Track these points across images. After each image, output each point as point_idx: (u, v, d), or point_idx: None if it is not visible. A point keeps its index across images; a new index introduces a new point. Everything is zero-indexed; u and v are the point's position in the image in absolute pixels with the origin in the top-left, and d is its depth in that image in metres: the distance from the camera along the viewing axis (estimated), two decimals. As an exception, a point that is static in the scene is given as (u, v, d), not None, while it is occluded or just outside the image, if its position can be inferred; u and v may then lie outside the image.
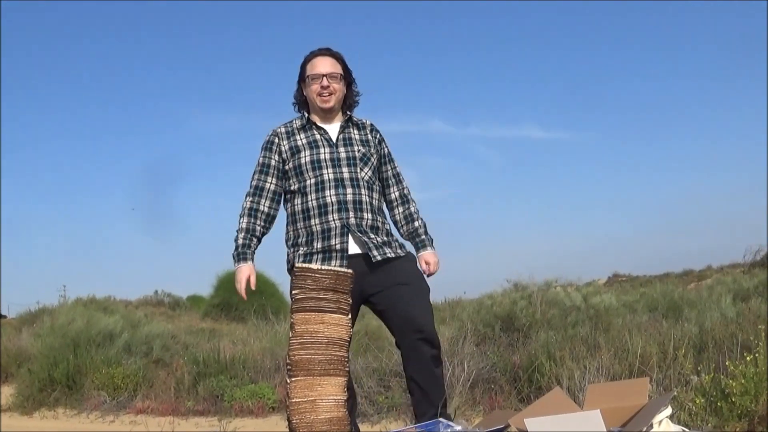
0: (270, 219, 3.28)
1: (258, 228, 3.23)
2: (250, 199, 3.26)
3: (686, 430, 2.46)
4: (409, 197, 3.42)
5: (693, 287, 12.79)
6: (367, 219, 3.15)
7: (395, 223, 3.40)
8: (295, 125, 3.29)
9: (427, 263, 3.32)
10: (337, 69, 3.23)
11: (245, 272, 3.16)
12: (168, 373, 7.07)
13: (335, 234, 3.09)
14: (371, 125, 3.38)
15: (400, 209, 3.39)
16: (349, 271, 2.91)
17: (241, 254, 3.18)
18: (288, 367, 2.79)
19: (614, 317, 7.24)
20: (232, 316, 15.20)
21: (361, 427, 3.55)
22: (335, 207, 3.11)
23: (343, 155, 3.20)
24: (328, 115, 3.27)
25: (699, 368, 3.87)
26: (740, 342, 4.17)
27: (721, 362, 3.74)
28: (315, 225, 3.12)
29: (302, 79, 3.29)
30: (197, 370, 6.61)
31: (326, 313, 2.79)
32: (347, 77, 3.30)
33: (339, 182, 3.14)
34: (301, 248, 3.14)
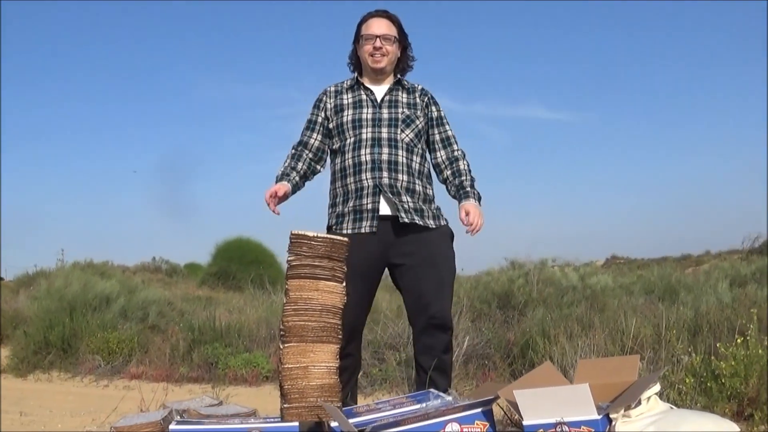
0: (310, 171, 3.29)
1: (300, 166, 3.24)
2: (295, 148, 3.29)
3: (674, 407, 2.47)
4: (458, 157, 3.28)
5: (690, 272, 12.78)
6: (402, 180, 3.10)
7: (445, 184, 3.29)
8: (345, 85, 3.30)
9: (466, 213, 3.07)
10: (392, 31, 3.22)
11: (280, 186, 3.10)
12: (163, 340, 7.11)
13: (367, 193, 3.07)
14: (422, 89, 3.33)
15: (448, 171, 3.27)
16: (345, 239, 2.90)
17: (279, 178, 3.18)
18: (281, 332, 2.79)
19: (610, 298, 7.26)
20: (229, 285, 15.19)
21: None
22: (369, 166, 3.09)
23: (385, 116, 3.18)
24: (378, 76, 3.26)
25: (691, 350, 3.88)
26: (735, 326, 4.18)
27: (715, 346, 3.74)
28: (350, 184, 3.12)
29: (357, 39, 3.28)
30: (192, 337, 6.63)
31: (321, 281, 2.78)
32: (402, 41, 3.28)
33: (376, 142, 3.12)
34: (337, 208, 3.15)
